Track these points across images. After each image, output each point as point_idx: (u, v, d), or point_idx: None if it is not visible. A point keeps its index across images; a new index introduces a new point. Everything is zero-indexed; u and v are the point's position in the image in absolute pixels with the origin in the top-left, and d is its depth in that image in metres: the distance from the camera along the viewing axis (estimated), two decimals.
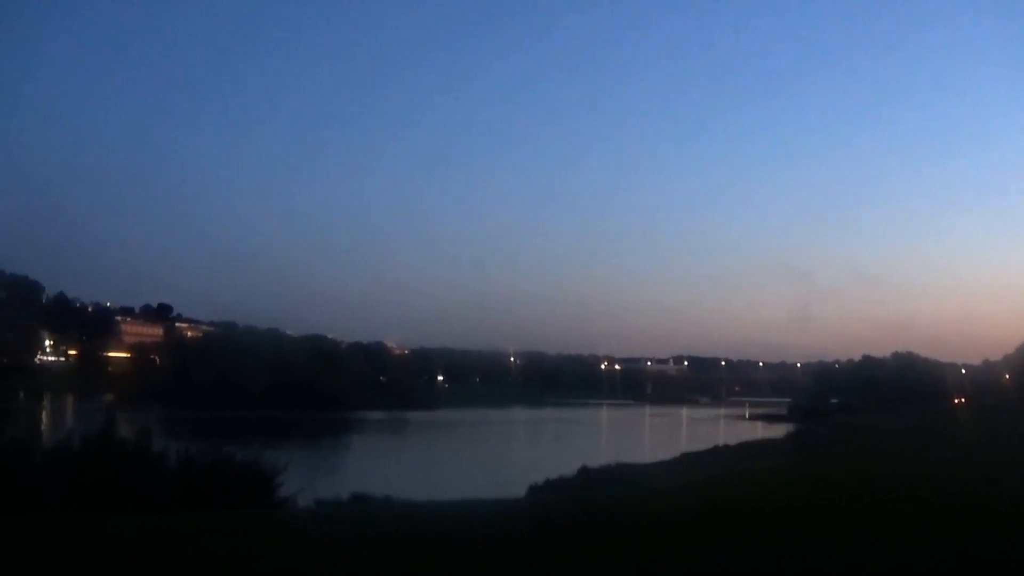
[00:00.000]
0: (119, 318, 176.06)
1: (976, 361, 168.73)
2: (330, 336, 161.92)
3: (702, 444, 68.38)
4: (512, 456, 74.19)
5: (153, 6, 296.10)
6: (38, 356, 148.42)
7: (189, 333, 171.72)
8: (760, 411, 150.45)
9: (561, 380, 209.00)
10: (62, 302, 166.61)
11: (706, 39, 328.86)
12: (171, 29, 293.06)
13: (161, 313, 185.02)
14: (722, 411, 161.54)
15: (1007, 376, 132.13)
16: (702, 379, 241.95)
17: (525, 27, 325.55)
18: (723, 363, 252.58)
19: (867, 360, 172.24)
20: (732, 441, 70.92)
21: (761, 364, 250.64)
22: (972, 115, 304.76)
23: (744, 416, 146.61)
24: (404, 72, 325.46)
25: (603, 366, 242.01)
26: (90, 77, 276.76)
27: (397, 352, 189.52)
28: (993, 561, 12.83)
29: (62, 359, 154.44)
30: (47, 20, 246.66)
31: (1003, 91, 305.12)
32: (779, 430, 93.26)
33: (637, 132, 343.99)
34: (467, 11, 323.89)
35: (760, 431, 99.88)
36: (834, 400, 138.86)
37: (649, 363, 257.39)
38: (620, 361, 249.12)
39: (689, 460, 53.84)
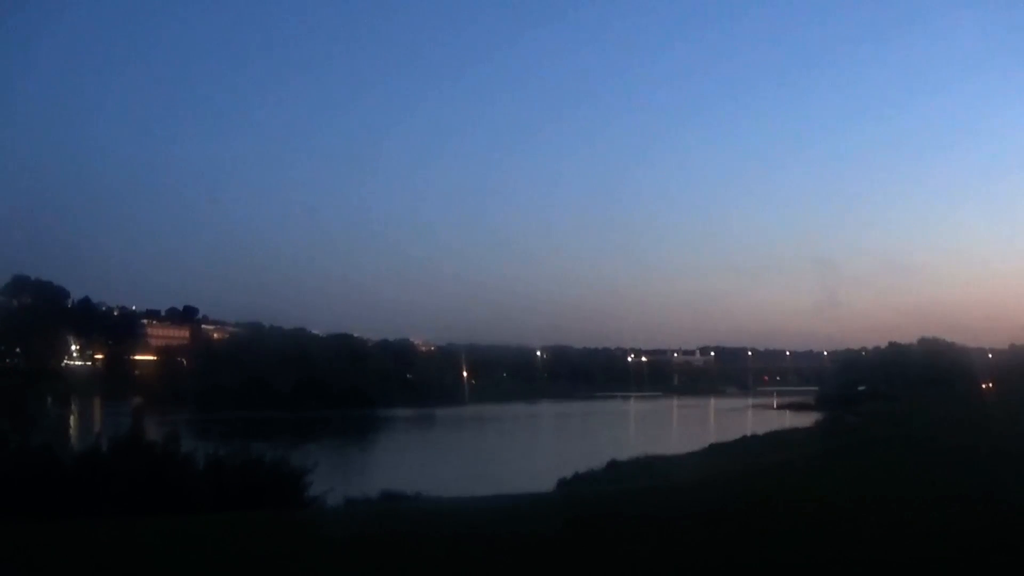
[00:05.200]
0: (145, 321, 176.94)
1: (1003, 345, 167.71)
2: (356, 334, 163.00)
3: (731, 434, 67.94)
4: (540, 450, 74.07)
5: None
6: (64, 361, 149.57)
7: (215, 335, 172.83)
8: (788, 400, 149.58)
9: (588, 373, 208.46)
10: (87, 306, 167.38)
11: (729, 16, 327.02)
12: (195, 32, 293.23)
13: (187, 315, 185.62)
14: (750, 401, 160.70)
15: None
16: (729, 369, 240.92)
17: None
18: (750, 353, 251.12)
19: (893, 347, 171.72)
20: (760, 431, 70.42)
21: (788, 353, 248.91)
22: (997, 96, 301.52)
23: (772, 405, 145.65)
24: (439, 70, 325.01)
25: (629, 358, 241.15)
26: (112, 81, 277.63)
27: (423, 349, 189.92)
28: None
29: (88, 363, 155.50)
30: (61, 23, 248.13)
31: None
32: (808, 419, 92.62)
33: (660, 122, 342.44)
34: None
35: (789, 420, 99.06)
36: (861, 387, 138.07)
37: (676, 354, 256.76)
38: (646, 353, 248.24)
39: (718, 451, 53.46)
